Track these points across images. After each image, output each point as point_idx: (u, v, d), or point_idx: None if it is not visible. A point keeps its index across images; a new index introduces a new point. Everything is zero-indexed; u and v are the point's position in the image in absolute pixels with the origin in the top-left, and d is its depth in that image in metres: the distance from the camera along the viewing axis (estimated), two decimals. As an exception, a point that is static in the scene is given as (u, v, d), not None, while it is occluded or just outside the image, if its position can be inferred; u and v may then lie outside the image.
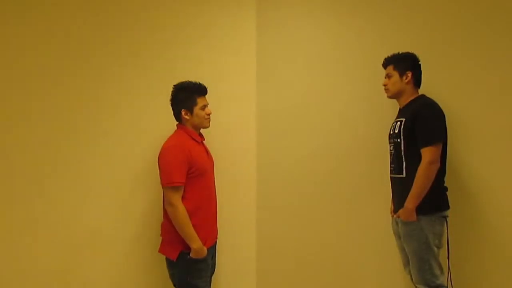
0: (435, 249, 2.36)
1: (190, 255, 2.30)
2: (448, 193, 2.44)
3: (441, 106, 2.42)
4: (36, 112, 2.69)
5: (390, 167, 2.53)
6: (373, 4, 2.83)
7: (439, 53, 2.73)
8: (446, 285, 2.39)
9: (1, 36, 2.66)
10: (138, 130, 2.75)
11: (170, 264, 2.38)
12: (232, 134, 2.84)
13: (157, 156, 2.38)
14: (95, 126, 2.72)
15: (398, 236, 2.53)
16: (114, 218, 2.71)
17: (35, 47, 2.69)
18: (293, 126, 2.88)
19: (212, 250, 2.45)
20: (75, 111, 2.71)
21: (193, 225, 2.30)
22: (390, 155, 2.53)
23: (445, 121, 2.40)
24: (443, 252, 2.42)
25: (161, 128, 2.62)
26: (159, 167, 2.37)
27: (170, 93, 2.48)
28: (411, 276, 2.48)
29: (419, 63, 2.52)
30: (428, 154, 2.31)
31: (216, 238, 2.54)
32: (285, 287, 2.85)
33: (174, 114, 2.48)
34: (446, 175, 2.45)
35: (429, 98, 2.46)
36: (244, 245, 2.82)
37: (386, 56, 2.56)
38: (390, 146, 2.54)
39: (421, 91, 2.54)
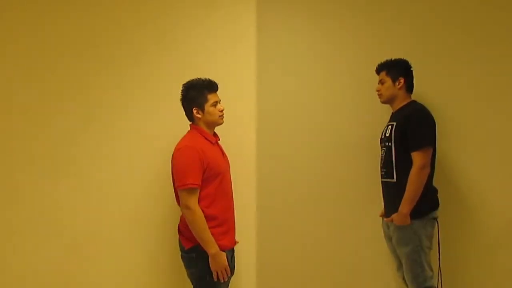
0: (427, 251, 2.40)
1: (209, 260, 2.20)
2: (438, 195, 2.48)
3: (431, 108, 2.45)
4: (42, 115, 2.73)
5: (381, 171, 2.55)
6: (373, 4, 2.83)
7: (439, 53, 2.76)
8: (436, 286, 2.42)
9: (8, 37, 2.72)
10: (147, 130, 2.77)
11: (189, 262, 2.29)
12: (232, 134, 2.77)
13: (168, 156, 2.32)
14: (105, 127, 2.77)
15: (388, 238, 2.56)
16: (121, 220, 2.76)
17: (44, 48, 2.74)
18: (293, 126, 2.87)
19: (230, 252, 2.37)
20: (82, 113, 2.76)
21: (218, 232, 2.23)
22: (381, 159, 2.55)
23: (435, 127, 2.44)
24: (433, 254, 2.45)
25: (172, 129, 2.61)
26: (173, 168, 2.29)
27: (180, 92, 2.40)
28: (403, 278, 2.52)
29: (411, 69, 2.55)
30: (418, 158, 2.35)
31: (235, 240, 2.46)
32: (285, 287, 2.85)
33: (186, 114, 2.39)
34: (437, 177, 2.49)
35: (420, 104, 2.50)
36: (244, 245, 2.78)
37: (379, 62, 2.58)
38: (381, 150, 2.56)
39: (414, 95, 2.56)
